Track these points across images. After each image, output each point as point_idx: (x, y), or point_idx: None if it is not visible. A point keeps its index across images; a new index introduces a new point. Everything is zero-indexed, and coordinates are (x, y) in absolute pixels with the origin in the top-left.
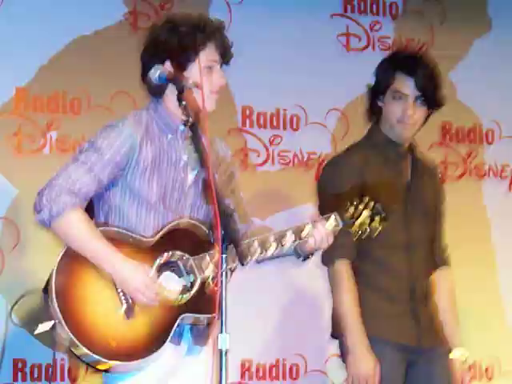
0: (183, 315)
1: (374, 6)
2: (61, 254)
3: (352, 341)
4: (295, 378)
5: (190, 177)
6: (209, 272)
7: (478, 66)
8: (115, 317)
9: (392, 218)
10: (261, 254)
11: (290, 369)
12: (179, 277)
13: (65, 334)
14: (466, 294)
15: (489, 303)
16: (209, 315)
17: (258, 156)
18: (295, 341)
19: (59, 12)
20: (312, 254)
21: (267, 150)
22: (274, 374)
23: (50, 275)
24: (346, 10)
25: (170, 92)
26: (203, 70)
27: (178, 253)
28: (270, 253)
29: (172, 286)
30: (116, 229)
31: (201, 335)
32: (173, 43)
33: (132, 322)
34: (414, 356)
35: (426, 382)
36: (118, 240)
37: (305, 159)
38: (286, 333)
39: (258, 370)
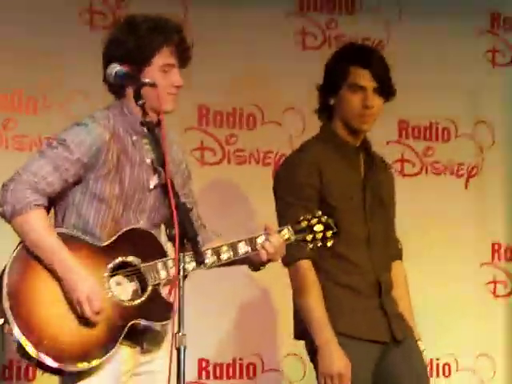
0: (134, 321)
1: (330, 4)
2: (16, 252)
3: (321, 340)
4: (252, 377)
5: (153, 179)
6: (161, 278)
7: (435, 63)
8: (67, 318)
9: (351, 213)
10: (213, 262)
11: (247, 368)
12: (130, 282)
13: (14, 334)
14: (423, 290)
15: (446, 300)
16: (160, 322)
17: (214, 155)
18: (252, 340)
19: (15, 10)
20: (264, 265)
21: (223, 148)
22: (231, 373)
23: (2, 271)
24: (301, 9)
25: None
26: (160, 72)
27: (131, 257)
28: (223, 259)
29: (122, 291)
30: (66, 231)
31: (155, 337)
32: (130, 44)
33: (84, 324)
34: (388, 350)
35: (407, 372)
36: (70, 242)
37: (261, 158)
38: (242, 332)
39: (215, 369)
